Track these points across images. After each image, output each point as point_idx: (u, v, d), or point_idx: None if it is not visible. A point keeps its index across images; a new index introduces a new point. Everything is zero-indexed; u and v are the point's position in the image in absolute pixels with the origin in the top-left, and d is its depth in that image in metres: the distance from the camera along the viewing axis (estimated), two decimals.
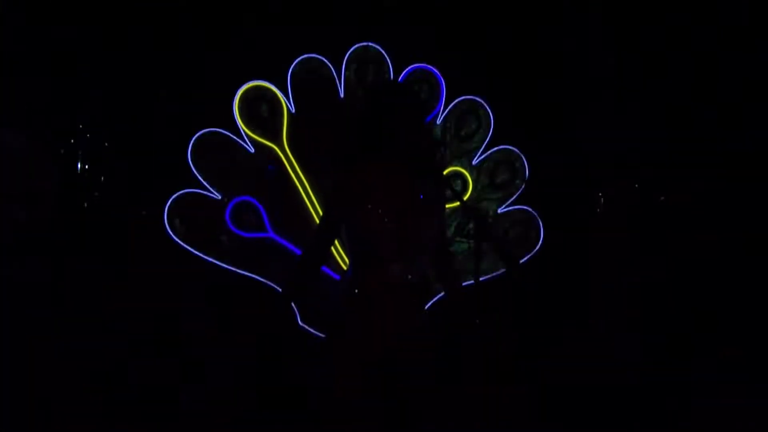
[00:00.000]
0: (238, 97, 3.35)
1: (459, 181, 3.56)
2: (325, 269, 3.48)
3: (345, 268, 3.39)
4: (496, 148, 3.60)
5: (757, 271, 3.62)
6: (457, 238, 3.48)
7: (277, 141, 3.40)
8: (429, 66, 3.54)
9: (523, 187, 3.59)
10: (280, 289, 2.65)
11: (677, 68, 3.67)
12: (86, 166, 3.38)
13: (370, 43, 3.47)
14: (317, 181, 3.46)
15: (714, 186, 3.67)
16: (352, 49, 3.47)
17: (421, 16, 3.60)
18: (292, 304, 3.04)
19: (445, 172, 3.45)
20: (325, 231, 2.60)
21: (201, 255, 3.30)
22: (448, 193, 2.62)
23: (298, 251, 3.38)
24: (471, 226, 2.67)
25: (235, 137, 3.39)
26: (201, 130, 3.34)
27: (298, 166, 3.43)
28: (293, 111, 3.47)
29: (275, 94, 3.41)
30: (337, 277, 3.47)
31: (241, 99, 3.35)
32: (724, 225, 3.67)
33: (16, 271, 3.23)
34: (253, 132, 3.39)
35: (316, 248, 2.61)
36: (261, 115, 3.40)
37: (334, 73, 3.48)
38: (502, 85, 3.66)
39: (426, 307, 2.65)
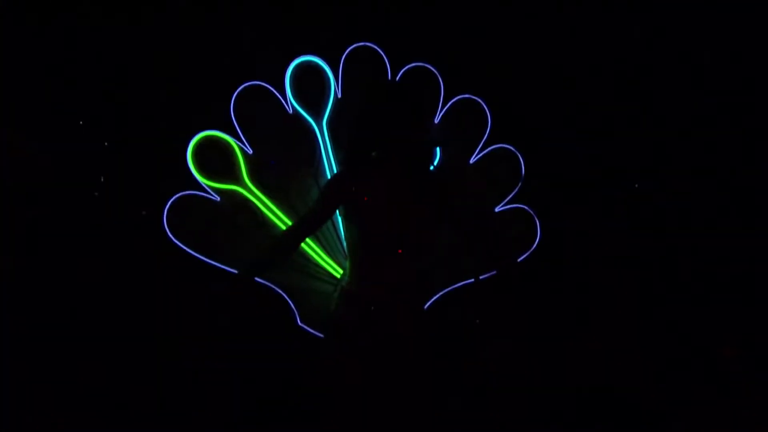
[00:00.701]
0: (190, 151, 3.31)
1: (456, 180, 3.56)
2: (325, 269, 3.48)
3: (343, 268, 3.39)
4: (493, 147, 3.60)
5: (757, 270, 3.61)
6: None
7: (239, 183, 3.40)
8: (427, 65, 3.54)
9: (520, 185, 3.58)
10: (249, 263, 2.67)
11: (677, 67, 3.67)
12: (86, 167, 3.38)
13: (367, 43, 3.47)
14: (292, 209, 3.44)
15: (715, 185, 3.67)
16: (349, 50, 3.47)
17: (420, 15, 3.60)
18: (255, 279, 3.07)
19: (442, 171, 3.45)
20: (308, 220, 2.62)
21: (201, 257, 3.31)
22: (446, 192, 2.63)
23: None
24: (468, 224, 2.67)
25: (233, 138, 3.40)
26: (201, 130, 3.35)
27: (269, 201, 3.43)
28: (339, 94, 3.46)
29: (226, 141, 3.39)
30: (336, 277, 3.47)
31: (194, 152, 3.32)
32: (725, 224, 3.66)
33: (15, 270, 3.24)
34: (212, 180, 3.37)
35: (295, 233, 2.62)
36: (216, 162, 3.36)
37: (331, 74, 3.48)
38: (502, 84, 3.66)
39: (425, 306, 2.65)
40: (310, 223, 2.63)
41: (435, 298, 3.49)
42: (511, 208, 3.58)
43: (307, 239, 3.41)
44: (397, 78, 3.49)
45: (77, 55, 3.36)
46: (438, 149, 3.46)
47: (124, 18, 3.39)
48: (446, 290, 3.51)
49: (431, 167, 2.62)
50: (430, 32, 3.61)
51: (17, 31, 3.31)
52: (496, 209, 3.58)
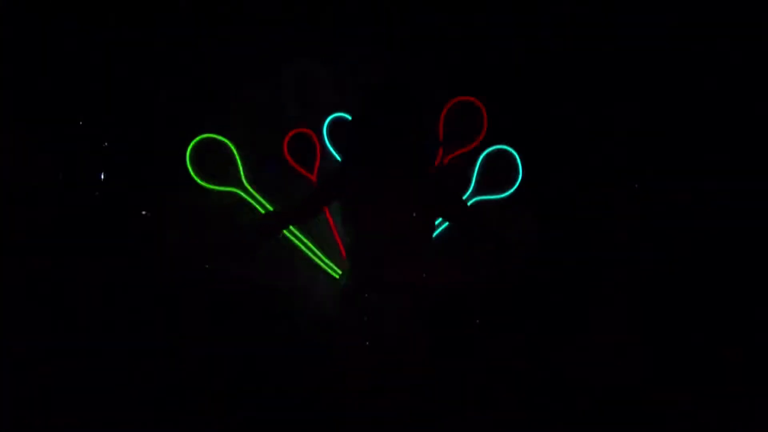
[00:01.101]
0: (188, 154, 3.33)
1: (455, 182, 3.56)
2: (323, 269, 3.48)
3: (342, 270, 3.39)
4: (492, 148, 3.60)
5: (757, 270, 3.60)
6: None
7: (239, 185, 3.40)
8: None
9: (519, 188, 3.59)
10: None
11: (676, 67, 3.66)
12: (86, 167, 3.39)
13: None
14: None
15: (715, 185, 3.66)
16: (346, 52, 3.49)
17: (419, 15, 3.60)
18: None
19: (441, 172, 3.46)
20: (296, 210, 2.62)
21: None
22: (446, 192, 2.62)
23: None
24: (468, 226, 2.67)
25: (230, 143, 3.41)
26: (199, 130, 3.36)
27: (267, 203, 3.44)
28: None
29: (225, 143, 3.41)
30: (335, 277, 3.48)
31: (191, 155, 3.34)
32: (726, 224, 3.66)
33: (16, 270, 3.25)
34: (211, 183, 3.38)
35: (280, 218, 2.63)
36: (215, 165, 3.39)
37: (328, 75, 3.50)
38: (502, 85, 3.66)
39: (422, 306, 2.65)
40: (298, 213, 2.63)
41: (434, 298, 3.49)
42: (511, 209, 3.58)
43: (306, 240, 3.41)
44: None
45: (78, 56, 3.37)
46: (437, 149, 3.47)
47: (124, 18, 3.40)
48: (445, 291, 3.51)
49: (430, 167, 2.62)
50: (429, 33, 3.61)
51: (17, 31, 3.31)
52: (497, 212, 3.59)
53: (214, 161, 3.37)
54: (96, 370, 3.27)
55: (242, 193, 3.39)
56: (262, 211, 3.39)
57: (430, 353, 2.60)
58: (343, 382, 2.54)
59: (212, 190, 3.37)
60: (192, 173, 3.32)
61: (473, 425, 3.33)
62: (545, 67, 3.67)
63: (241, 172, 3.39)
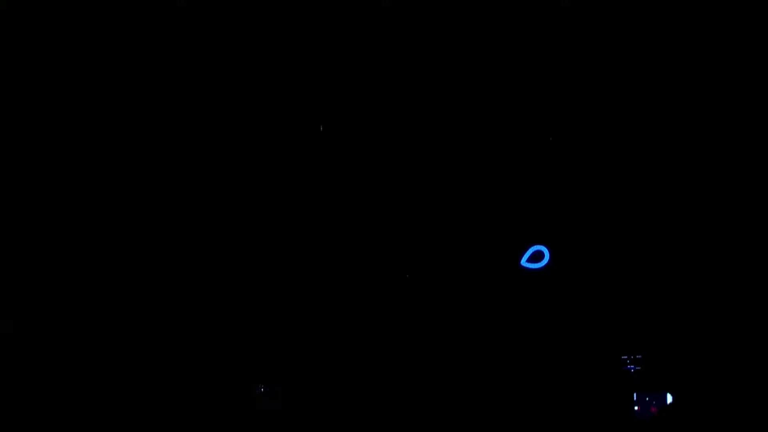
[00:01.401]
0: None
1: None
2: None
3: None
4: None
5: (758, 270, 3.60)
6: None
7: None
8: None
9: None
10: None
11: (675, 67, 3.66)
12: (86, 167, 3.39)
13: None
14: None
15: (715, 185, 3.66)
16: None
17: (419, 15, 3.60)
18: None
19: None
20: None
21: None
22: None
23: None
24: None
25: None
26: (199, 129, 3.36)
27: None
28: None
29: None
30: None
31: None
32: (726, 224, 3.65)
33: (15, 270, 3.25)
34: None
35: None
36: None
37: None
38: (502, 85, 3.66)
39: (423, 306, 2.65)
40: None
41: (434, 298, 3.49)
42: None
43: None
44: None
45: (77, 55, 3.37)
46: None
47: (124, 18, 3.40)
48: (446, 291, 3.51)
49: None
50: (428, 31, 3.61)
51: (17, 31, 3.31)
52: None
53: None
54: (96, 370, 3.27)
55: None
56: None
57: (431, 353, 2.60)
58: (342, 382, 2.55)
59: None
60: None
61: (473, 425, 3.33)
62: (545, 67, 3.67)
63: None
